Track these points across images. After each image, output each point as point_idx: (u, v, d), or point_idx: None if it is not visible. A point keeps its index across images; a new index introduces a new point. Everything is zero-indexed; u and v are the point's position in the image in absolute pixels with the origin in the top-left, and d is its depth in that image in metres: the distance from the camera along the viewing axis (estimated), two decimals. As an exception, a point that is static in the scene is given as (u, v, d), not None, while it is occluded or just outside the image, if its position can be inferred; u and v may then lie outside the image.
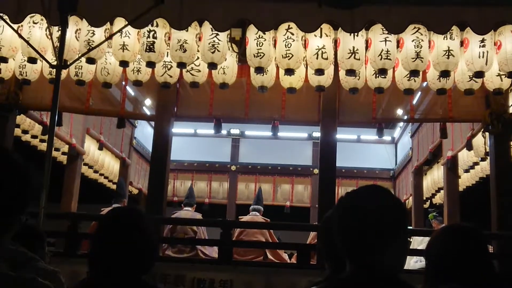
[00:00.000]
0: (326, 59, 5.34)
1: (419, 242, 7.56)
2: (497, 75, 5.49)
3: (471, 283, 2.21)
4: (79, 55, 5.25)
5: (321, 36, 5.32)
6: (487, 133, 6.61)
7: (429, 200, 11.04)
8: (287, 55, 5.30)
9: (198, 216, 7.70)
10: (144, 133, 11.22)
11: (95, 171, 10.66)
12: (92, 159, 10.07)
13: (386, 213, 1.76)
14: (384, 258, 1.73)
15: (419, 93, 7.22)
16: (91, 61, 5.50)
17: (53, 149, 4.70)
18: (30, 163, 1.80)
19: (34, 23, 5.41)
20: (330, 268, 2.37)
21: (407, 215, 1.87)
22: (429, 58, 5.26)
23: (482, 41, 5.14)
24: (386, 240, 1.74)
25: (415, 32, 5.15)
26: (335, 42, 5.38)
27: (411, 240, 7.53)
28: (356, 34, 5.20)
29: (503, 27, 5.09)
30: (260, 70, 5.49)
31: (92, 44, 5.31)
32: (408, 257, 7.36)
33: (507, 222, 6.08)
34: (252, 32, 5.32)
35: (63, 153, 9.62)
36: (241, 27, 5.46)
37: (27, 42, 5.07)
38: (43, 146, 8.91)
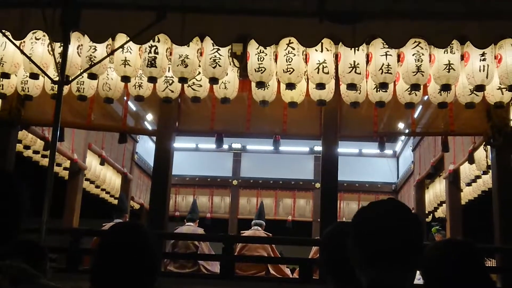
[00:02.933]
0: (327, 73, 5.35)
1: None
2: (498, 89, 5.50)
3: None
4: (81, 70, 5.27)
5: (322, 51, 5.33)
6: (488, 147, 6.61)
7: (431, 214, 11.01)
8: (288, 70, 5.31)
9: (200, 231, 7.68)
10: (146, 148, 11.23)
11: (97, 186, 10.65)
12: (94, 174, 10.07)
13: (409, 229, 1.77)
14: (403, 273, 1.73)
15: (420, 106, 7.23)
16: (93, 76, 5.52)
17: (55, 164, 4.69)
18: (26, 179, 1.81)
19: (36, 39, 5.43)
20: (332, 283, 2.35)
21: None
22: (430, 72, 5.26)
23: (483, 54, 5.15)
24: (409, 256, 1.74)
25: (416, 46, 5.16)
26: (336, 57, 5.39)
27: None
28: (356, 48, 5.21)
29: (503, 40, 5.10)
30: (261, 84, 5.50)
31: (94, 59, 5.33)
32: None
33: (510, 236, 6.06)
34: (253, 47, 5.34)
35: (65, 169, 9.63)
36: (242, 42, 5.48)
37: (29, 58, 5.10)
38: (45, 162, 8.91)
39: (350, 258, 1.80)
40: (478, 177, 8.97)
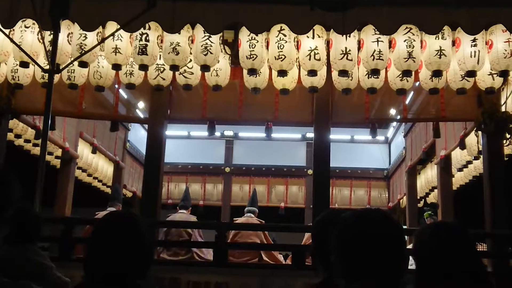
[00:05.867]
0: (319, 60, 5.35)
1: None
2: (489, 74, 5.51)
3: (460, 280, 2.22)
4: (72, 59, 5.24)
5: (313, 37, 5.33)
6: (479, 132, 6.63)
7: (423, 200, 11.08)
8: (280, 57, 5.30)
9: (193, 218, 7.70)
10: (138, 136, 11.21)
11: (89, 175, 10.63)
12: (86, 162, 10.05)
13: (393, 240, 1.84)
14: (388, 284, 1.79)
15: (412, 93, 7.23)
16: (83, 64, 5.49)
17: (46, 153, 4.68)
18: (17, 168, 1.81)
19: (25, 27, 5.39)
20: (323, 270, 2.37)
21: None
22: (421, 58, 5.27)
23: (474, 40, 5.16)
24: (393, 267, 1.81)
25: (407, 32, 5.16)
26: (328, 43, 5.39)
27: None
28: (348, 35, 5.20)
29: (494, 26, 5.11)
30: (253, 71, 5.49)
31: (85, 47, 5.30)
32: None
33: (501, 221, 6.10)
34: (244, 34, 5.33)
35: (57, 157, 9.59)
36: (233, 29, 5.47)
37: (19, 46, 5.06)
38: (36, 151, 8.88)
39: (334, 270, 1.86)
40: (469, 162, 9.02)
